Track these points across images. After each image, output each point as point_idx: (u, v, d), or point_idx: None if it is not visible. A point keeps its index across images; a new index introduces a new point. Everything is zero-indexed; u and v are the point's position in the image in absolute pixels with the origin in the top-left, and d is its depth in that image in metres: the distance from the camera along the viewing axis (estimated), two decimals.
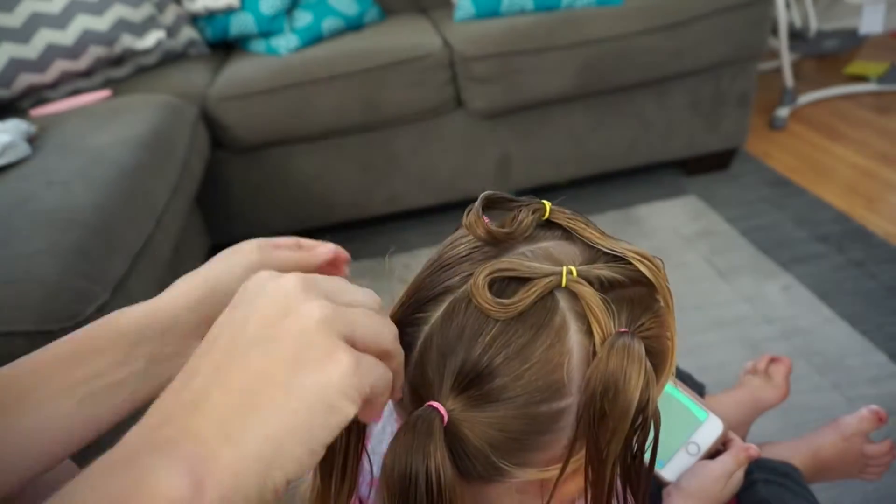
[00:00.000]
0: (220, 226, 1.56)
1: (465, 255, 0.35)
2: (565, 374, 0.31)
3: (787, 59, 1.91)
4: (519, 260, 0.33)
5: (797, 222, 1.47)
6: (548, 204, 0.36)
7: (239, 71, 1.47)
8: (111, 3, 1.42)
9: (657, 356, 0.34)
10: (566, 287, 0.32)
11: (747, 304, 1.23)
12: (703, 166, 1.73)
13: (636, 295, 0.34)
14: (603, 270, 0.33)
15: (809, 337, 1.13)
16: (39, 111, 1.34)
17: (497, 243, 0.35)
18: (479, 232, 0.35)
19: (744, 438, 0.76)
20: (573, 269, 0.32)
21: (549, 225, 0.36)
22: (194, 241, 1.36)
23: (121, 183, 0.95)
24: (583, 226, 0.36)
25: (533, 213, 0.35)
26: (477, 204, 0.36)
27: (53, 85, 1.42)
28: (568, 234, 0.36)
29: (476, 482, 0.34)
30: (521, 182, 1.64)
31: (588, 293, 0.31)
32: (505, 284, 0.32)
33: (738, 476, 0.51)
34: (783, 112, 1.93)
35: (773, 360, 0.80)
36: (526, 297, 0.31)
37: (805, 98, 1.99)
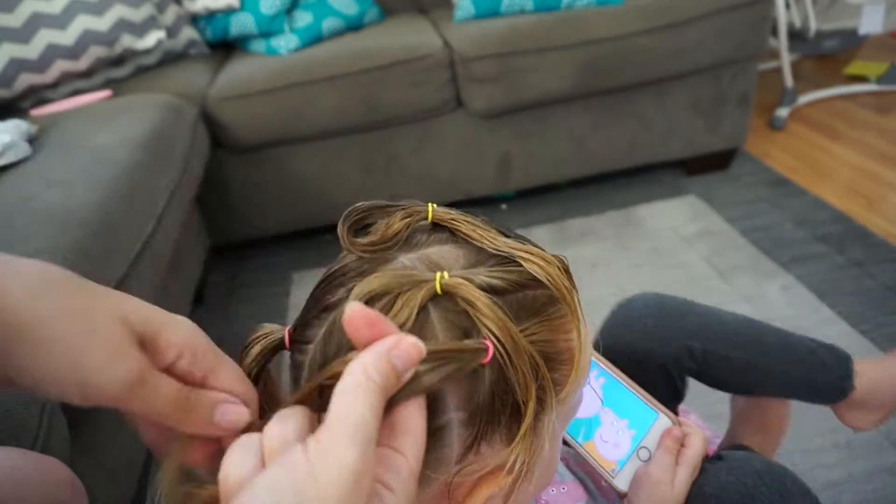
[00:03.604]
0: (220, 226, 1.56)
1: (343, 271, 0.32)
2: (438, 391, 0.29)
3: (786, 59, 1.91)
4: (394, 272, 0.30)
5: (797, 222, 1.47)
6: (431, 206, 0.34)
7: (239, 71, 1.47)
8: (111, 4, 1.42)
9: (550, 360, 0.32)
10: (444, 293, 0.29)
11: (747, 304, 1.23)
12: (703, 166, 1.73)
13: (523, 298, 0.32)
14: (482, 276, 0.30)
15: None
16: (40, 111, 1.34)
17: (373, 254, 0.32)
18: (347, 245, 0.33)
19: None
20: (446, 274, 0.29)
21: (438, 228, 0.34)
22: (194, 240, 1.36)
23: (121, 183, 0.95)
24: (470, 226, 0.33)
25: (406, 217, 0.33)
26: (343, 217, 0.33)
27: (54, 85, 1.42)
28: (456, 237, 0.33)
29: None
30: (522, 182, 1.64)
31: (466, 289, 0.29)
32: (377, 298, 0.29)
33: (683, 474, 0.49)
34: (783, 112, 1.93)
35: None
36: (399, 313, 0.28)
37: (805, 98, 1.99)
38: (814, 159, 1.74)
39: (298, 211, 1.60)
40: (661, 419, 0.52)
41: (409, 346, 0.25)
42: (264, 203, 1.58)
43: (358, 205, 0.34)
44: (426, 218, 0.34)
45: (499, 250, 0.32)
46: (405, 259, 0.32)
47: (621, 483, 0.51)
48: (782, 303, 1.23)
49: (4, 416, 0.60)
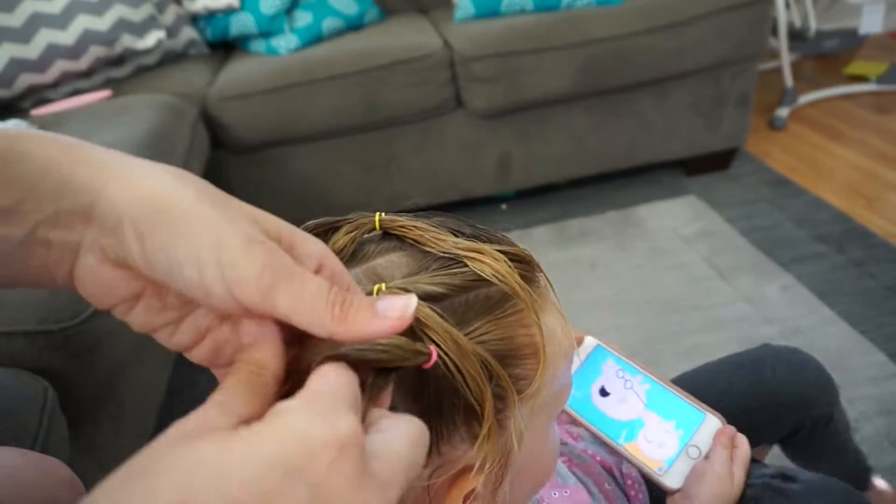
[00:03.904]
0: None
1: None
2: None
3: (786, 59, 1.91)
4: None
5: (797, 222, 1.47)
6: (378, 215, 0.33)
7: (239, 71, 1.47)
8: (111, 3, 1.42)
9: (509, 357, 0.32)
10: None
11: (747, 304, 1.23)
12: (703, 166, 1.73)
13: (473, 298, 0.31)
14: (421, 284, 0.30)
15: (809, 337, 1.13)
16: (40, 111, 1.34)
17: None
18: None
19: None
20: (384, 286, 0.29)
21: (388, 237, 0.34)
22: None
23: None
24: (418, 231, 0.33)
25: (352, 230, 0.33)
26: None
27: (54, 85, 1.42)
28: (404, 244, 0.33)
29: None
30: (521, 182, 1.64)
31: None
32: None
33: (739, 472, 0.50)
34: (783, 112, 1.93)
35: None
36: None
37: (805, 98, 1.99)
38: (814, 159, 1.74)
39: (298, 211, 1.60)
40: (710, 419, 0.54)
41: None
42: (264, 203, 1.53)
43: (307, 223, 0.34)
44: (374, 228, 0.34)
45: (446, 252, 0.32)
46: (354, 272, 0.32)
47: (671, 480, 0.52)
48: (782, 303, 1.23)
49: (4, 416, 0.60)
